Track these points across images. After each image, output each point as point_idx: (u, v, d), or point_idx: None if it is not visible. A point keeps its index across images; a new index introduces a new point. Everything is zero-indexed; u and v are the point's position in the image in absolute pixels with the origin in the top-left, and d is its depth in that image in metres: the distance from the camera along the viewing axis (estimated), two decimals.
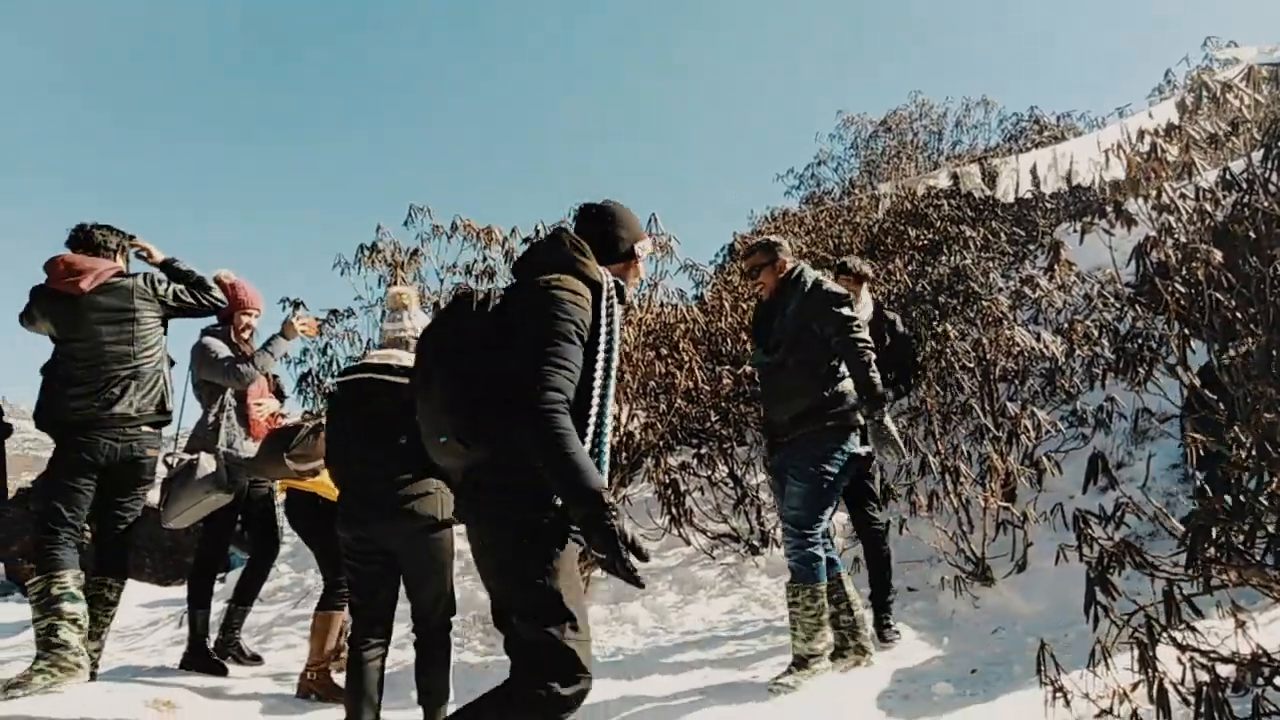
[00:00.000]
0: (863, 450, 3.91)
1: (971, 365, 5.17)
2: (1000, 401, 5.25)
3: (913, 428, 5.48)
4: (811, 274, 3.98)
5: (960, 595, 4.68)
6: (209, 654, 4.26)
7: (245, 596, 4.44)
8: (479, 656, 4.43)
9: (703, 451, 6.17)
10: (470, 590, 5.11)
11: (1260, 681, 2.52)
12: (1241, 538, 2.54)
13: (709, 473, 6.06)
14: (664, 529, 5.70)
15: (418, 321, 3.49)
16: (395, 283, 6.06)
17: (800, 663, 3.80)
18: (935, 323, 5.37)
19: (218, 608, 4.67)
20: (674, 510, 5.56)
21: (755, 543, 5.62)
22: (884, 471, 5.53)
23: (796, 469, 3.79)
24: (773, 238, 4.16)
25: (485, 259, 6.17)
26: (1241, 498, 2.36)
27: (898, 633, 4.35)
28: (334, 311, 6.42)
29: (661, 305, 6.34)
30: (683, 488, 5.63)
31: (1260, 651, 2.57)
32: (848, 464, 3.84)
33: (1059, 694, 2.79)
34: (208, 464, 3.76)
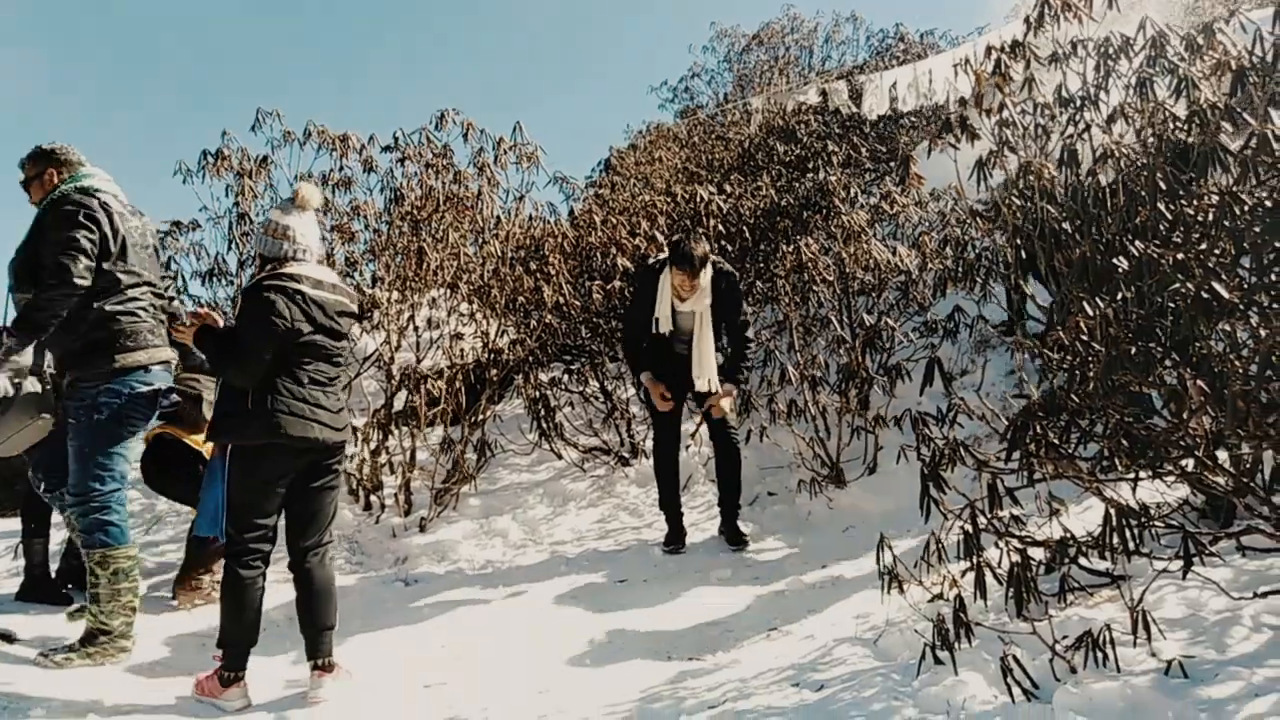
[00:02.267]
0: None
1: (831, 279, 5.33)
2: (858, 314, 5.45)
3: (775, 340, 5.64)
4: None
5: (815, 497, 4.92)
6: (51, 584, 4.05)
7: None
8: (344, 575, 4.39)
9: (574, 367, 6.19)
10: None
11: (1066, 561, 2.77)
12: (1057, 434, 2.75)
13: (580, 388, 6.09)
14: (535, 444, 5.73)
15: (313, 231, 3.25)
16: (243, 193, 5.71)
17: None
18: (797, 237, 5.48)
19: (60, 537, 4.43)
20: (544, 425, 5.58)
21: (625, 454, 5.73)
22: (746, 383, 5.69)
23: None
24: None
25: (342, 168, 5.88)
26: (1058, 397, 2.54)
27: (746, 539, 4.54)
28: (177, 223, 6.02)
29: (530, 219, 6.23)
30: (553, 403, 5.64)
31: (1068, 534, 2.82)
32: None
33: (894, 582, 2.99)
34: (31, 386, 3.50)
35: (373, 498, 5.07)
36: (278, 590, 3.65)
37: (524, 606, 3.87)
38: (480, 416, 5.49)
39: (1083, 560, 2.93)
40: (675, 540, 4.56)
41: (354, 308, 3.27)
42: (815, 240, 5.38)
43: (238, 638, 3.03)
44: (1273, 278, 1.99)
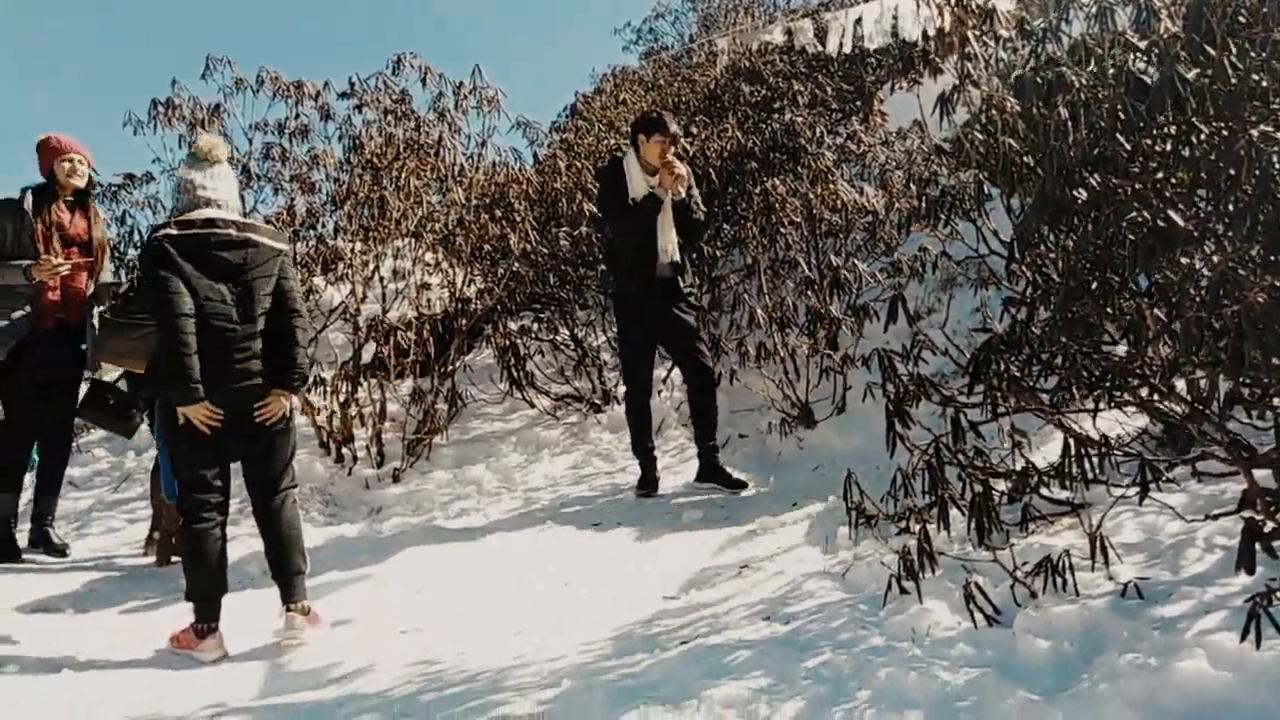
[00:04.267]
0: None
1: (799, 220, 5.32)
2: (825, 255, 5.46)
3: (744, 283, 5.64)
4: None
5: (786, 438, 4.97)
6: (12, 542, 4.03)
7: (50, 485, 4.20)
8: (317, 528, 4.40)
9: (543, 315, 6.16)
10: (307, 462, 5.02)
11: (1028, 491, 2.84)
12: (1017, 366, 2.78)
13: (551, 336, 6.07)
14: (506, 393, 5.72)
15: (228, 185, 3.22)
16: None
17: None
18: (764, 178, 5.45)
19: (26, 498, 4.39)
20: (515, 374, 5.57)
21: (597, 401, 5.74)
22: (715, 327, 5.71)
23: None
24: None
25: (298, 115, 5.73)
26: (1019, 329, 2.57)
27: (742, 480, 4.56)
28: (130, 176, 5.86)
29: (494, 165, 6.14)
30: (523, 352, 5.63)
31: (1029, 465, 2.88)
32: None
33: (862, 517, 3.05)
34: None
35: (344, 450, 5.07)
36: (250, 543, 3.66)
37: (499, 552, 3.90)
38: (450, 367, 5.48)
39: (1044, 490, 3.00)
40: (648, 484, 4.60)
41: (267, 241, 3.18)
42: (782, 182, 5.36)
43: (205, 590, 3.04)
44: (1228, 207, 2.01)
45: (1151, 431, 3.36)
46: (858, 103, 6.90)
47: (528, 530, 4.16)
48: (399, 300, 5.64)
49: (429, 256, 6.02)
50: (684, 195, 4.39)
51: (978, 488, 2.61)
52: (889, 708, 2.11)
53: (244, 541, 3.96)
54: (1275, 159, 1.95)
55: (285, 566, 3.14)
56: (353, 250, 5.59)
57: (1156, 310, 2.24)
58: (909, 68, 6.74)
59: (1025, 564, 2.54)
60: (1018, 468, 2.99)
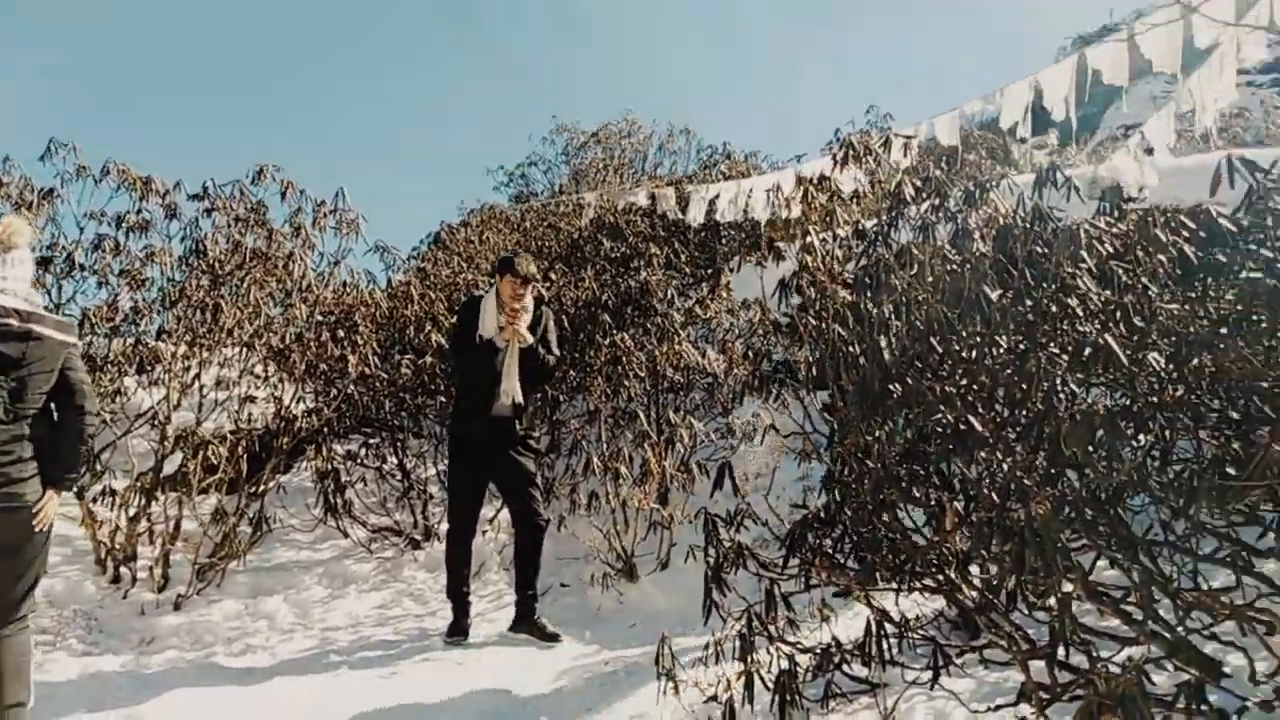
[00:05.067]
0: None
1: (643, 375, 5.45)
2: (664, 410, 5.58)
3: (584, 429, 5.66)
4: None
5: (607, 591, 4.89)
6: None
7: None
8: (74, 657, 3.89)
9: (373, 441, 5.93)
10: (76, 580, 4.49)
11: (831, 668, 2.87)
12: (830, 543, 2.88)
13: (378, 463, 5.83)
14: (320, 520, 5.39)
15: (20, 272, 2.99)
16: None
17: None
18: (614, 331, 5.60)
19: None
20: (332, 500, 5.27)
21: (417, 536, 5.49)
22: (551, 470, 5.66)
23: None
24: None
25: (141, 210, 5.46)
26: (834, 508, 2.67)
27: (558, 635, 4.39)
28: None
29: (344, 285, 6.02)
30: (344, 478, 5.36)
31: (833, 641, 2.94)
32: None
33: (671, 682, 2.99)
34: None
35: (123, 569, 4.57)
36: None
37: (279, 699, 3.55)
38: (262, 486, 5.13)
39: (845, 667, 3.06)
40: (458, 631, 4.36)
41: (53, 333, 2.96)
42: (631, 336, 5.50)
43: None
44: (1019, 416, 2.20)
45: (946, 615, 3.53)
46: (708, 270, 7.29)
47: (318, 675, 3.83)
48: (217, 411, 5.30)
49: (259, 369, 5.73)
50: (529, 342, 4.40)
51: (784, 664, 2.62)
52: None
53: None
54: (1058, 380, 2.17)
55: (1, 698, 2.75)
56: (174, 354, 5.25)
57: (956, 504, 2.39)
58: (756, 247, 7.23)
59: None
60: (825, 641, 3.04)
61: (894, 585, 2.89)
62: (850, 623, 3.55)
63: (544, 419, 5.62)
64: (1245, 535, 2.37)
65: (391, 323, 6.11)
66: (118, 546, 4.55)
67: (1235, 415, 2.34)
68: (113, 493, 4.57)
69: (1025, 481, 1.95)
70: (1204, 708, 1.85)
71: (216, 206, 5.68)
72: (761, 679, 2.66)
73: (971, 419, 2.21)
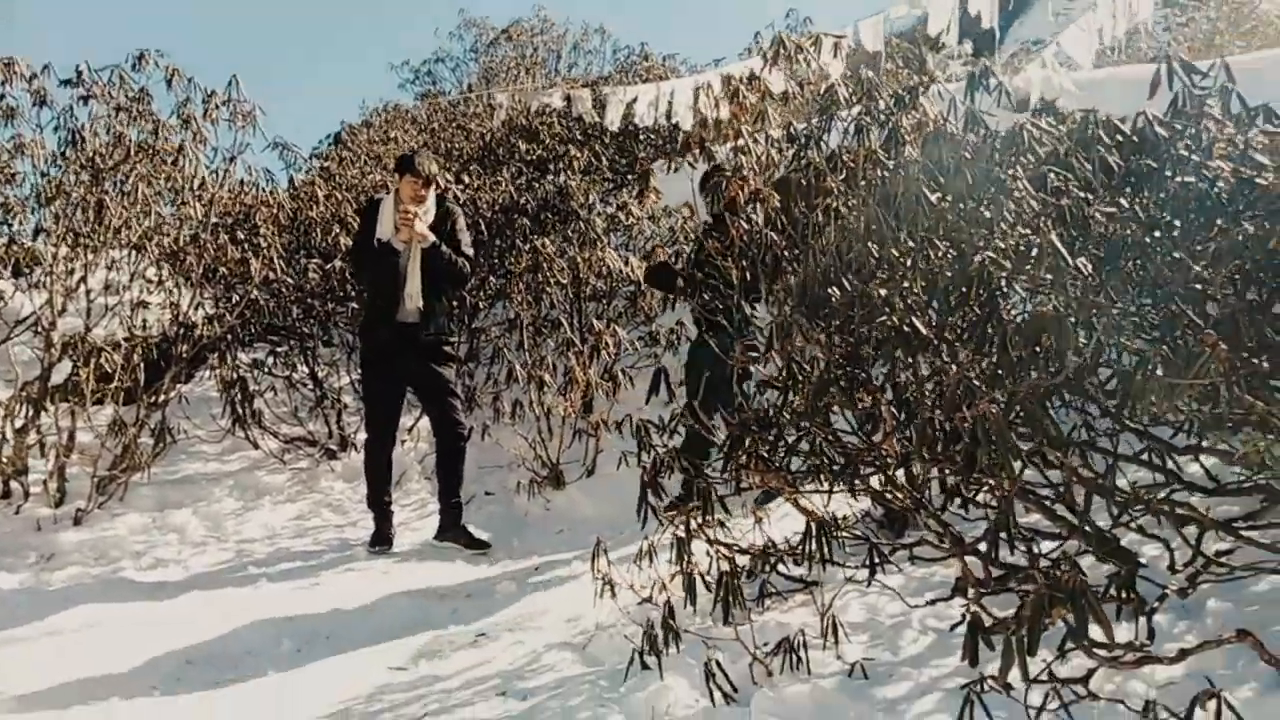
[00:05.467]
0: None
1: (565, 282, 5.33)
2: (587, 318, 5.49)
3: (505, 338, 5.53)
4: None
5: (533, 498, 4.87)
6: None
7: None
8: None
9: (280, 349, 5.67)
10: None
11: (767, 568, 2.92)
12: (767, 447, 2.89)
13: (287, 372, 5.59)
14: (228, 431, 5.16)
15: None
16: None
17: None
18: (533, 237, 5.43)
19: None
20: (240, 410, 5.05)
21: (333, 446, 5.33)
22: (472, 379, 5.54)
23: None
24: None
25: (3, 95, 4.93)
26: (770, 412, 2.66)
27: (485, 542, 4.36)
28: None
29: (242, 183, 5.62)
30: (252, 387, 5.13)
31: (770, 543, 2.98)
32: None
33: (607, 585, 3.00)
34: None
35: (14, 484, 4.29)
36: None
37: (195, 612, 3.42)
38: (162, 397, 4.86)
39: (781, 567, 3.12)
40: (382, 540, 4.29)
41: None
42: (552, 242, 5.35)
43: None
44: (959, 319, 2.21)
45: (874, 515, 3.64)
46: (629, 175, 7.13)
47: (236, 588, 3.70)
48: (108, 317, 4.94)
49: (151, 273, 5.36)
50: (430, 243, 4.19)
51: (724, 565, 2.65)
52: None
53: None
54: (1003, 283, 2.18)
55: None
56: (54, 255, 4.84)
57: (893, 408, 2.41)
58: (677, 152, 7.09)
59: (765, 643, 2.58)
60: (759, 543, 3.09)
61: (827, 488, 2.94)
62: (779, 524, 3.62)
63: (463, 326, 5.47)
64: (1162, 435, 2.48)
65: (296, 225, 5.78)
66: (5, 460, 4.26)
67: (1157, 320, 2.42)
68: None
69: (975, 383, 1.97)
70: (1131, 595, 1.95)
71: (94, 94, 5.18)
72: (702, 579, 2.68)
73: (915, 321, 2.21)
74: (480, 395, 5.21)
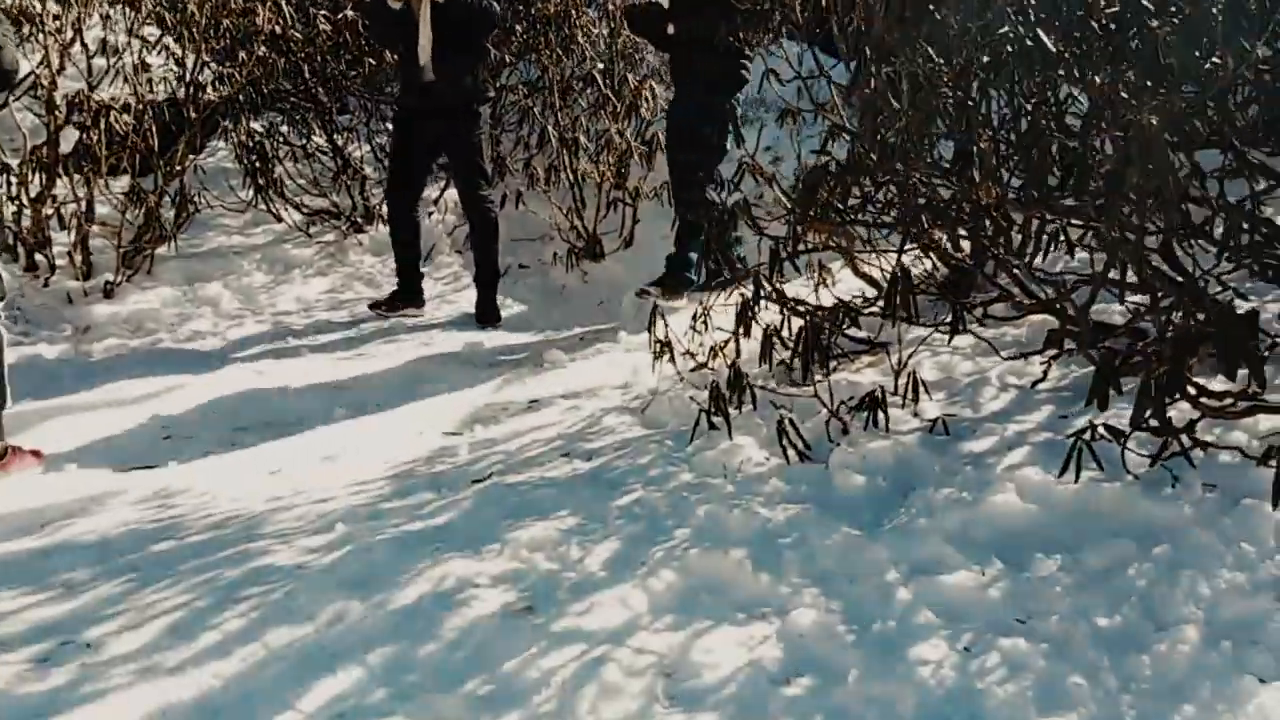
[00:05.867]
0: None
1: (597, 31, 4.86)
2: (622, 73, 5.05)
3: (532, 99, 5.11)
4: None
5: (571, 270, 4.70)
6: None
7: None
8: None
9: (295, 116, 5.29)
10: None
11: (839, 327, 2.77)
12: (842, 198, 2.64)
13: (303, 142, 5.25)
14: (249, 203, 4.92)
15: None
16: None
17: None
18: None
19: None
20: (260, 181, 4.78)
21: (359, 219, 5.09)
22: (500, 145, 5.21)
23: None
24: None
25: None
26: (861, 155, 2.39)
27: (498, 315, 4.21)
28: None
29: None
30: (270, 155, 4.83)
31: (839, 302, 2.81)
32: None
33: (665, 348, 2.87)
34: None
35: (38, 256, 4.13)
36: None
37: (246, 380, 3.35)
38: (179, 165, 4.58)
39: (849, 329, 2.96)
40: (408, 295, 4.12)
41: None
42: None
43: None
44: (1095, 36, 1.88)
45: (936, 276, 3.43)
46: None
47: (279, 359, 3.62)
48: (110, 78, 4.57)
49: (148, 31, 4.91)
50: None
51: (798, 321, 2.49)
52: (712, 545, 1.97)
53: None
54: None
55: None
56: (44, 8, 4.40)
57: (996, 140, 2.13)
58: None
59: (841, 401, 2.46)
60: (827, 304, 2.92)
61: (896, 246, 2.71)
62: (838, 288, 3.42)
63: (493, 82, 5.06)
64: None
65: None
66: (26, 230, 4.07)
67: None
68: (5, 169, 4.00)
69: (1123, 95, 1.68)
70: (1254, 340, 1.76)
71: None
72: (781, 339, 2.53)
73: (1041, 34, 1.88)
74: (511, 161, 4.89)
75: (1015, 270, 2.49)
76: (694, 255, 3.92)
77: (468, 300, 4.32)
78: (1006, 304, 2.76)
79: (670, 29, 4.01)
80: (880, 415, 2.35)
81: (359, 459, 2.63)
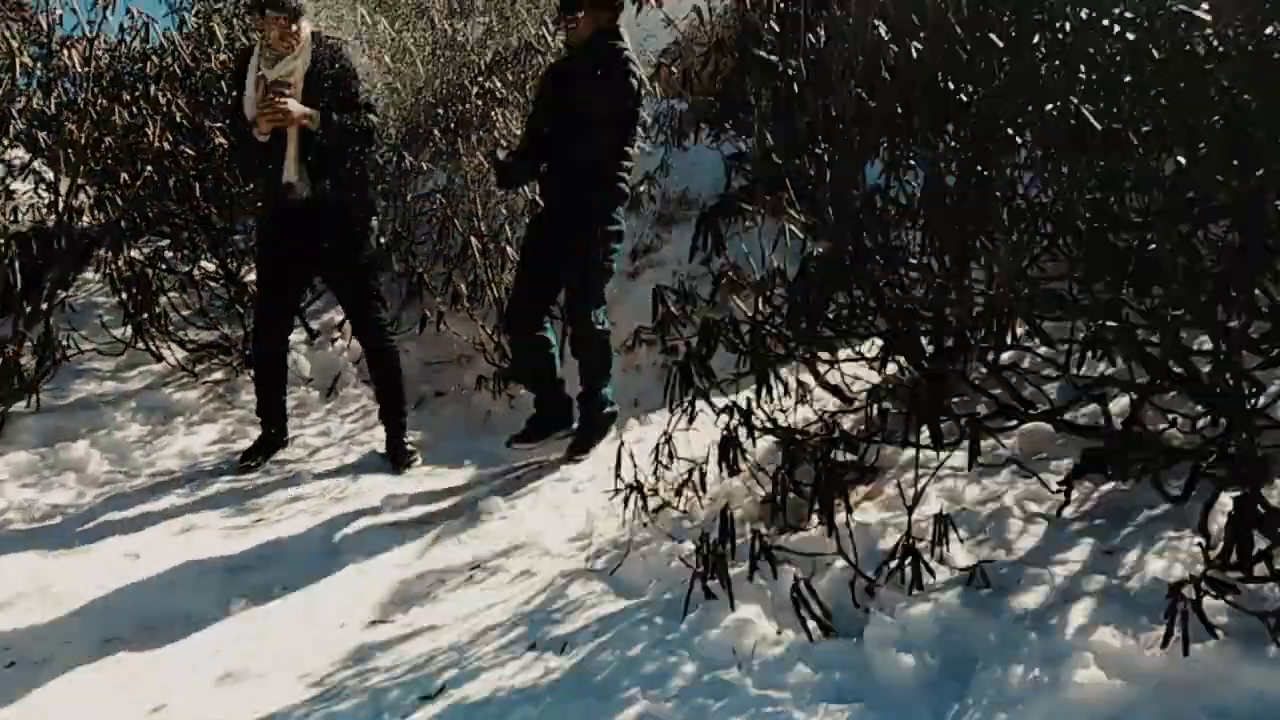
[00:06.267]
0: None
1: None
2: None
3: (450, 208, 4.68)
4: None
5: (498, 397, 4.22)
6: None
7: None
8: None
9: (182, 238, 4.73)
10: None
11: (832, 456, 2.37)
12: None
13: (189, 268, 4.68)
14: (126, 343, 4.31)
15: None
16: None
17: None
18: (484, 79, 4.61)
19: None
20: (140, 314, 4.20)
21: (251, 352, 4.51)
22: (414, 258, 4.76)
23: None
24: None
25: None
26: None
27: (411, 456, 3.67)
28: None
29: (122, 30, 4.54)
30: (151, 284, 4.28)
31: (834, 425, 2.43)
32: None
33: (638, 493, 2.44)
34: None
35: None
36: None
37: (117, 570, 2.72)
38: (44, 305, 3.98)
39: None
40: (264, 447, 3.60)
41: None
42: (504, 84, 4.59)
43: None
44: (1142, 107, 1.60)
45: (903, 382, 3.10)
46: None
47: (159, 534, 3.00)
48: None
49: (14, 155, 4.38)
50: (306, 121, 3.26)
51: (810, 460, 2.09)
52: None
53: None
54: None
55: None
56: None
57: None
58: None
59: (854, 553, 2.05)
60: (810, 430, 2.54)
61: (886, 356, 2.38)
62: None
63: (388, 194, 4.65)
64: None
65: (192, 79, 4.74)
66: None
67: None
68: None
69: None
70: None
71: None
72: (797, 486, 2.12)
73: (1085, 112, 1.58)
74: (430, 279, 4.43)
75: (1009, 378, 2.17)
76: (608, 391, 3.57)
77: (380, 439, 3.78)
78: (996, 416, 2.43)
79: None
80: (922, 572, 1.93)
81: (266, 674, 2.06)
